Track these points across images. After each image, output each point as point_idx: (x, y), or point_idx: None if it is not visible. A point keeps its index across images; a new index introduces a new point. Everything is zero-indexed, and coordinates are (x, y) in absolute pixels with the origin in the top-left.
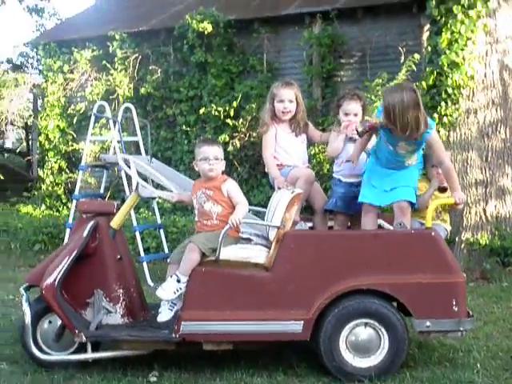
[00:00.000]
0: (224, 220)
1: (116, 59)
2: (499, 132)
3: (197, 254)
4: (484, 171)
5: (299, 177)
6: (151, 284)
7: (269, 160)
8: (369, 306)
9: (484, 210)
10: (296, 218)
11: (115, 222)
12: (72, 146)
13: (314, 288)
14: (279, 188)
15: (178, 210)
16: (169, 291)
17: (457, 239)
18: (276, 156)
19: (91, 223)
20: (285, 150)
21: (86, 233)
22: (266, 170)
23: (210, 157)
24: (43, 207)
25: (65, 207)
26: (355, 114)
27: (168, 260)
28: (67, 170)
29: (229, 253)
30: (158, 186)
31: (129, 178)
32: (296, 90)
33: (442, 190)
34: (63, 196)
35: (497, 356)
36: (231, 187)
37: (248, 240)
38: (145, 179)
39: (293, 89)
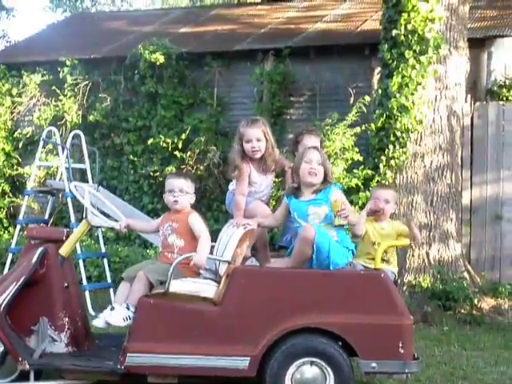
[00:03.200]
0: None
1: (66, 85)
2: (445, 177)
3: (143, 284)
4: (429, 215)
5: (257, 214)
6: (93, 313)
7: (241, 201)
8: (316, 345)
9: (427, 254)
10: (247, 254)
11: (64, 250)
12: (17, 170)
13: (262, 324)
14: (236, 224)
15: (120, 240)
16: (118, 317)
17: (399, 281)
18: (253, 186)
19: (40, 250)
20: (254, 188)
21: (34, 259)
22: (230, 187)
23: (175, 189)
24: None
25: (6, 231)
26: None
27: (122, 275)
28: (10, 193)
29: (178, 286)
30: (104, 215)
31: (75, 204)
32: (263, 127)
33: (374, 213)
34: (5, 220)
35: None
36: (193, 220)
37: (197, 274)
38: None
39: (259, 126)
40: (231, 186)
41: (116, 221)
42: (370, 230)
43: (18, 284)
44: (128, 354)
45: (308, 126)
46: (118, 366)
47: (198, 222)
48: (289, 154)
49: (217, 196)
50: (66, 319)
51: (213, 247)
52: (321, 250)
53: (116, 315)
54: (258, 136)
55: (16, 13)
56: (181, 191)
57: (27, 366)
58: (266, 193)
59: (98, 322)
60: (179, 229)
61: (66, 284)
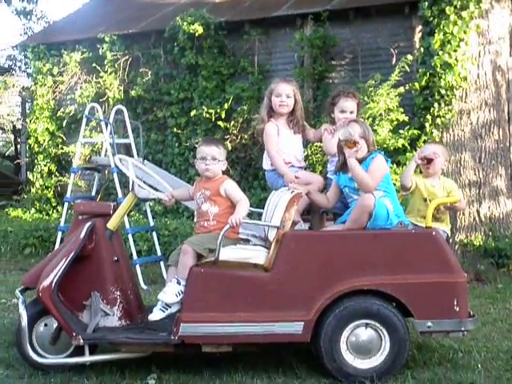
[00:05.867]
0: (221, 221)
1: (106, 61)
2: (492, 133)
3: (191, 256)
4: (477, 172)
5: (312, 182)
6: (144, 287)
7: (276, 157)
8: (370, 307)
9: (478, 211)
10: (296, 219)
11: (112, 224)
12: (62, 148)
13: (314, 288)
14: (291, 183)
15: (169, 213)
16: (170, 294)
17: (450, 240)
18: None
19: (88, 224)
20: (285, 146)
21: (83, 234)
22: (266, 167)
23: (207, 157)
24: (33, 211)
25: (55, 210)
26: (351, 112)
27: (168, 262)
28: (57, 173)
29: (228, 253)
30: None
31: (122, 180)
32: (294, 87)
33: (426, 161)
34: (53, 199)
35: (497, 357)
36: (229, 187)
37: (246, 241)
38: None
39: (291, 85)
40: (266, 166)
41: (162, 193)
42: (421, 186)
43: (68, 260)
44: (181, 325)
45: (345, 88)
46: (172, 337)
47: (233, 188)
48: (328, 118)
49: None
50: (118, 293)
51: (261, 214)
52: (377, 219)
53: (168, 292)
54: (287, 92)
55: None
56: (213, 159)
57: (81, 341)
58: (299, 156)
59: (154, 316)
60: (212, 196)
61: (116, 258)
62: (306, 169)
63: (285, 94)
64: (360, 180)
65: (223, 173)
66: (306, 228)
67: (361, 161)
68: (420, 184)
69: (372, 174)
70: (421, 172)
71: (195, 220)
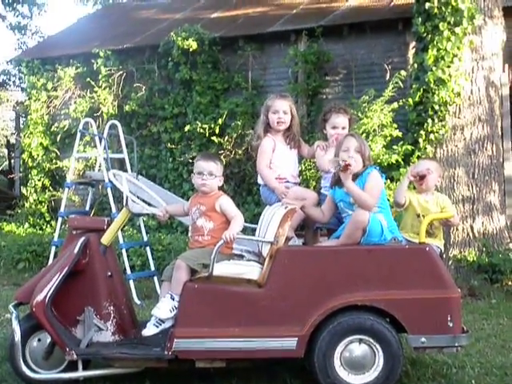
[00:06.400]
0: (215, 236)
1: (100, 76)
2: (486, 148)
3: (184, 271)
4: (471, 188)
5: (307, 198)
6: (138, 302)
7: (265, 171)
8: (363, 322)
9: (471, 227)
10: (290, 234)
11: (106, 239)
12: (56, 163)
13: (308, 304)
14: (283, 196)
15: (162, 228)
16: (164, 309)
17: (444, 256)
18: (271, 167)
19: (82, 239)
20: (280, 162)
21: (77, 249)
22: (260, 181)
23: (205, 172)
24: (26, 225)
25: (48, 225)
26: (343, 128)
27: (161, 278)
28: (51, 187)
29: (222, 269)
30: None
31: (115, 195)
32: (290, 103)
33: (419, 178)
34: (47, 214)
35: (491, 372)
36: (224, 202)
37: (240, 256)
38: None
39: (288, 101)
40: (261, 181)
41: (156, 208)
42: (414, 202)
43: (62, 275)
44: (175, 340)
45: (336, 104)
46: (166, 352)
47: (229, 204)
48: (321, 135)
49: (256, 179)
50: (112, 308)
51: (255, 229)
52: (372, 234)
53: (162, 308)
54: (284, 108)
55: (47, 8)
56: (210, 174)
57: (75, 356)
58: (293, 171)
59: (148, 332)
60: (207, 211)
61: (110, 273)
62: (299, 184)
63: (282, 110)
64: (360, 201)
65: (219, 188)
66: (300, 243)
67: (356, 176)
68: (413, 200)
69: (370, 192)
70: (414, 188)
71: (189, 234)
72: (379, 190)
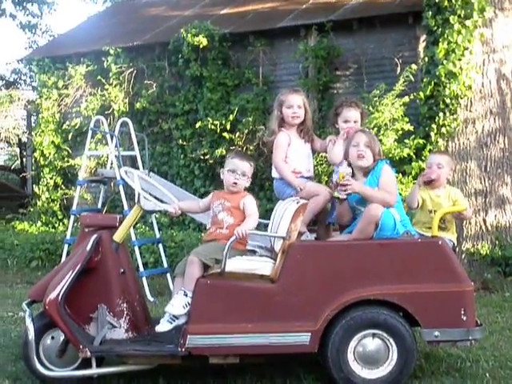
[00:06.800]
0: (233, 232)
1: (111, 74)
2: (498, 141)
3: (197, 266)
4: (483, 181)
5: (319, 194)
6: (151, 299)
7: (281, 165)
8: (377, 317)
9: (484, 220)
10: (302, 229)
11: (118, 236)
12: (67, 161)
13: (320, 299)
14: (300, 189)
15: (175, 225)
16: (177, 306)
17: (457, 249)
18: (287, 161)
19: (94, 237)
20: (295, 156)
21: (89, 246)
22: (274, 175)
23: (238, 171)
24: (39, 224)
25: (61, 223)
26: (355, 121)
27: (173, 273)
28: (63, 186)
29: (234, 264)
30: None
31: (127, 192)
32: (304, 97)
33: (428, 183)
34: (59, 212)
35: (505, 365)
36: (248, 201)
37: (252, 252)
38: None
39: (301, 95)
40: (275, 174)
41: (168, 204)
42: (426, 199)
43: (75, 272)
44: (188, 336)
45: (347, 98)
46: (179, 349)
47: (251, 203)
48: (333, 129)
49: (268, 175)
50: (125, 305)
51: (267, 225)
52: (384, 229)
53: (176, 304)
54: (298, 103)
55: (57, 6)
56: (243, 174)
57: (88, 354)
58: (308, 165)
59: (161, 328)
60: (232, 207)
61: (122, 270)
62: (313, 179)
63: (296, 105)
64: (379, 201)
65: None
66: (313, 238)
67: (368, 171)
68: (425, 197)
69: (387, 188)
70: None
71: (207, 227)
72: (394, 183)
